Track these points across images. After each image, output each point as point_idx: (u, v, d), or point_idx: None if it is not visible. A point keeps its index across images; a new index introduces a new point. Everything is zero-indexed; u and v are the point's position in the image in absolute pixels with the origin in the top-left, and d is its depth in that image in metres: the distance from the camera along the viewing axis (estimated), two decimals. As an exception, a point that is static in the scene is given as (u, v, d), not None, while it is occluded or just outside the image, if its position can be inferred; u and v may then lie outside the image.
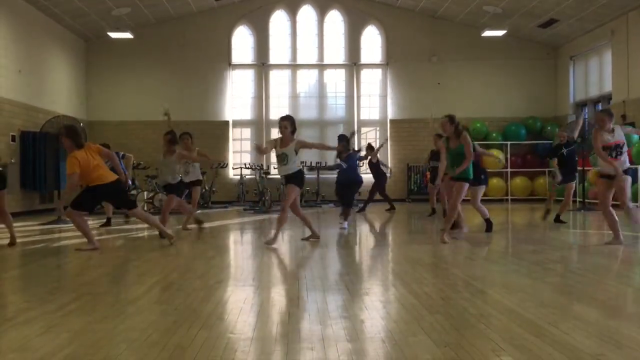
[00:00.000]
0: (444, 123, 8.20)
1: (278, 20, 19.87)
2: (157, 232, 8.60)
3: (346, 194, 11.14)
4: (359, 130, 17.77)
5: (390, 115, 19.62)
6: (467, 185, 8.14)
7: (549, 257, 6.85)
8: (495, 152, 15.58)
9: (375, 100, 19.96)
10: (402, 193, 18.98)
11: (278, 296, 4.79)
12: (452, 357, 3.11)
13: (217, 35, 19.36)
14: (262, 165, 18.35)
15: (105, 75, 19.04)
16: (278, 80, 19.94)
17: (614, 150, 7.37)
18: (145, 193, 14.74)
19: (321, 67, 19.93)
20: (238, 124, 19.65)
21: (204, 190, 15.00)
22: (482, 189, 9.57)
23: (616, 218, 7.48)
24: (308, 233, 8.68)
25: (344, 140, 13.47)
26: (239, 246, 8.56)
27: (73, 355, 3.23)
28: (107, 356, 3.20)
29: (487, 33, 17.96)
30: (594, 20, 16.48)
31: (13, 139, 13.95)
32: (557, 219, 10.62)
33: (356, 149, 13.76)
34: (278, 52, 19.86)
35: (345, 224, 10.28)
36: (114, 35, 17.45)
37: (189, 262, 6.71)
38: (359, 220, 12.25)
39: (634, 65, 15.30)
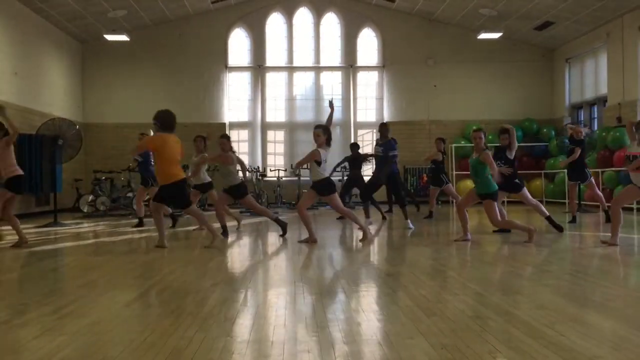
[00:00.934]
0: (479, 136, 8.23)
1: (274, 22, 19.89)
2: (155, 234, 8.61)
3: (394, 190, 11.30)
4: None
5: (386, 117, 19.63)
6: (493, 201, 8.20)
7: (546, 259, 6.86)
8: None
9: (371, 103, 19.99)
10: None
11: (275, 298, 4.79)
12: (448, 359, 3.12)
13: (214, 38, 19.37)
14: (258, 167, 18.36)
15: (101, 77, 19.03)
16: (274, 82, 19.96)
17: None
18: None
19: (317, 69, 19.95)
20: (235, 126, 19.65)
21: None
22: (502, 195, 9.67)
23: (621, 220, 7.56)
24: (305, 235, 8.70)
25: (356, 148, 13.60)
26: (236, 248, 8.55)
27: (69, 357, 3.22)
28: (103, 358, 3.20)
29: (483, 35, 18.01)
30: (590, 22, 16.54)
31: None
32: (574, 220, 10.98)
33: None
34: (274, 54, 19.88)
35: (410, 224, 10.46)
36: (110, 37, 17.43)
37: (185, 264, 6.70)
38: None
39: (629, 68, 15.35)
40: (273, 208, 16.56)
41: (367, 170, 15.22)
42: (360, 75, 20.02)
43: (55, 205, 12.73)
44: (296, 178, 17.83)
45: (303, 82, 20.10)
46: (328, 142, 8.55)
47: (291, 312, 4.26)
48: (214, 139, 10.36)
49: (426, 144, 18.58)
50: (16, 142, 9.20)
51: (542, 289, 5.05)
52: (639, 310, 4.39)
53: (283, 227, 9.23)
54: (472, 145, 8.63)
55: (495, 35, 18.11)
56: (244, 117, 19.76)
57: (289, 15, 19.85)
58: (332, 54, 19.98)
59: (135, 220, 11.71)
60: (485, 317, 4.00)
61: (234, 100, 19.76)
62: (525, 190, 9.84)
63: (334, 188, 8.61)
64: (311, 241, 8.38)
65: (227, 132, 15.96)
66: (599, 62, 17.35)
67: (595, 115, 18.03)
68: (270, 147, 19.99)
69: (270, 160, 19.82)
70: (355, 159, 13.31)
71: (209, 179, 10.63)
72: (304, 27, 19.95)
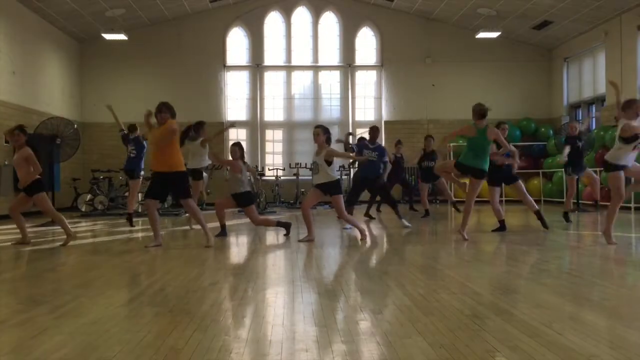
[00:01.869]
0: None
1: (273, 21, 19.89)
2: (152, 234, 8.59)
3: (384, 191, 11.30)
4: (353, 132, 17.83)
5: (384, 116, 19.65)
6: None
7: (543, 258, 6.87)
8: None
9: (370, 102, 20.00)
10: (396, 194, 18.96)
11: (273, 297, 4.78)
12: (446, 358, 3.12)
13: (212, 37, 19.36)
14: (256, 166, 18.35)
15: (100, 76, 19.02)
16: (273, 81, 19.96)
17: None
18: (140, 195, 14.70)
19: (316, 68, 19.95)
20: (233, 125, 19.61)
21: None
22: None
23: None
24: (304, 234, 8.70)
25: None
26: (234, 248, 8.55)
27: (67, 357, 3.22)
28: (101, 358, 3.19)
29: (482, 35, 18.02)
30: (588, 22, 16.55)
31: (7, 140, 13.89)
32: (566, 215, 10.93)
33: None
34: (273, 53, 19.88)
35: (405, 222, 10.52)
36: (108, 36, 17.42)
37: (183, 263, 6.70)
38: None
39: (628, 67, 15.36)
40: (271, 207, 16.57)
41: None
42: (359, 74, 20.03)
43: (53, 205, 12.69)
44: (294, 177, 17.83)
45: (301, 81, 20.11)
46: (328, 141, 8.55)
47: (289, 311, 4.25)
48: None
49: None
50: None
51: (540, 288, 5.05)
52: (636, 309, 4.40)
53: (287, 227, 9.29)
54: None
55: (494, 35, 18.12)
56: (242, 116, 19.75)
57: (287, 14, 19.85)
58: (331, 53, 19.98)
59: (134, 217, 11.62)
60: (483, 316, 4.00)
61: (232, 99, 19.76)
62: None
63: (341, 189, 8.71)
64: (309, 239, 8.42)
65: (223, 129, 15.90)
66: (597, 61, 17.36)
67: (593, 115, 18.04)
68: (268, 146, 19.99)
69: (268, 159, 19.83)
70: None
71: (201, 166, 10.60)
72: (302, 26, 19.95)
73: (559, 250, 7.70)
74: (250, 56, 19.80)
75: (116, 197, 15.71)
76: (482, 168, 8.30)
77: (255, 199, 9.99)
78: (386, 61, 19.73)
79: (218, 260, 7.23)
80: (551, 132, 18.82)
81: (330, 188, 8.52)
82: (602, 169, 15.00)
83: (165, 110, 8.02)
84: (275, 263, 7.01)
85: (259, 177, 17.12)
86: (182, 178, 8.14)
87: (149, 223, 8.34)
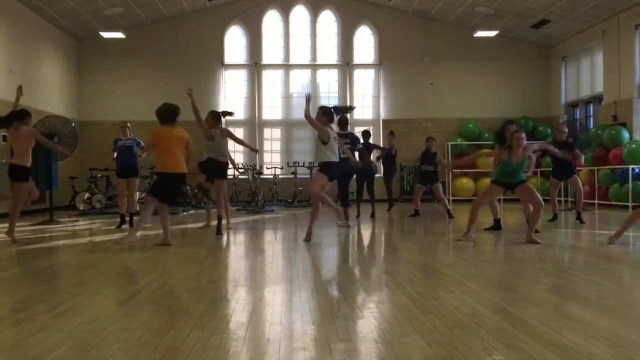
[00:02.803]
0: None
1: (271, 20, 19.87)
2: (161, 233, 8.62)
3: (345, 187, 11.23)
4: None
5: (383, 115, 19.65)
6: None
7: (541, 256, 6.87)
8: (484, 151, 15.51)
9: (368, 101, 19.98)
10: (395, 193, 18.95)
11: (270, 296, 4.78)
12: (444, 357, 3.12)
13: (210, 35, 19.34)
14: (254, 165, 18.34)
15: (98, 75, 18.99)
16: (271, 80, 19.94)
17: None
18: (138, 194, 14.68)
19: (314, 67, 19.94)
20: (231, 123, 19.53)
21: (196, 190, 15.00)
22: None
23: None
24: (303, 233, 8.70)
25: (368, 137, 13.37)
26: (232, 246, 8.54)
27: (65, 356, 3.21)
28: (98, 357, 3.19)
29: (480, 34, 18.02)
30: (586, 21, 16.56)
31: (4, 139, 13.87)
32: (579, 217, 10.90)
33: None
34: (271, 52, 19.86)
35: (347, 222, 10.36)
36: (106, 35, 17.39)
37: (181, 262, 6.69)
38: (353, 220, 12.21)
39: (625, 66, 15.38)
40: (269, 206, 16.57)
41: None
42: (357, 73, 20.01)
43: (51, 203, 12.71)
44: (292, 176, 17.82)
45: (300, 79, 20.08)
46: (330, 121, 8.51)
47: (287, 310, 4.25)
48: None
49: (423, 142, 18.53)
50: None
51: (538, 287, 5.06)
52: (634, 308, 4.41)
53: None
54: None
55: (492, 34, 18.12)
56: (241, 114, 19.72)
57: (285, 12, 19.83)
58: (329, 51, 19.96)
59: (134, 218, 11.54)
60: (481, 314, 4.01)
61: (230, 97, 19.73)
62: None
63: (326, 171, 8.41)
64: (307, 236, 8.35)
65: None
66: (595, 60, 17.37)
67: (591, 114, 18.06)
68: (266, 145, 19.98)
69: (266, 157, 19.81)
70: (367, 148, 12.83)
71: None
72: (300, 25, 19.93)
73: (557, 248, 7.71)
74: (248, 55, 19.77)
75: (114, 195, 15.67)
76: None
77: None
78: (384, 60, 19.72)
79: (216, 259, 7.23)
80: (549, 131, 18.83)
81: (321, 168, 8.50)
82: (600, 168, 15.13)
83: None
84: (273, 261, 7.01)
85: (257, 175, 17.14)
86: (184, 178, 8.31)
87: (143, 221, 8.28)
